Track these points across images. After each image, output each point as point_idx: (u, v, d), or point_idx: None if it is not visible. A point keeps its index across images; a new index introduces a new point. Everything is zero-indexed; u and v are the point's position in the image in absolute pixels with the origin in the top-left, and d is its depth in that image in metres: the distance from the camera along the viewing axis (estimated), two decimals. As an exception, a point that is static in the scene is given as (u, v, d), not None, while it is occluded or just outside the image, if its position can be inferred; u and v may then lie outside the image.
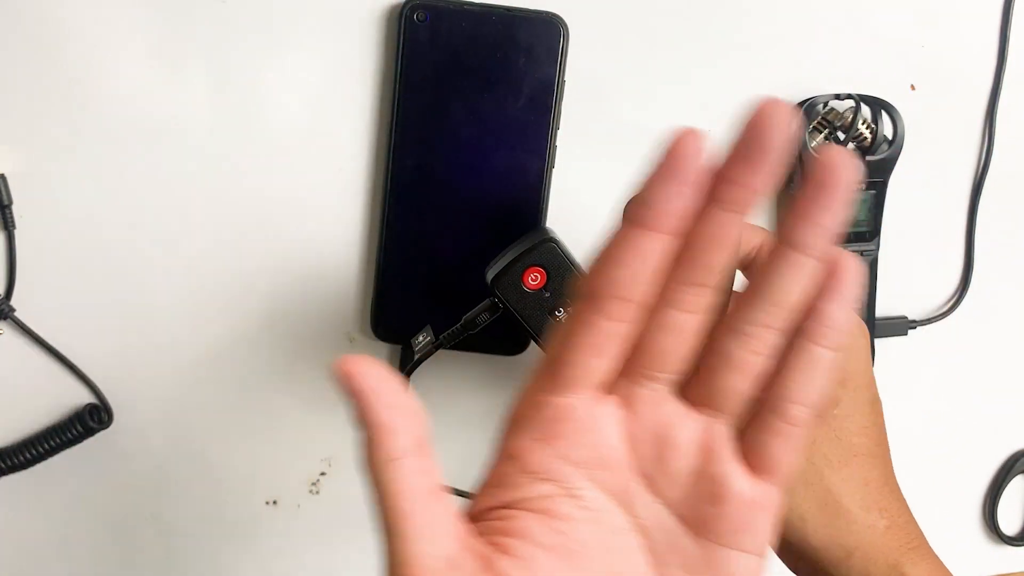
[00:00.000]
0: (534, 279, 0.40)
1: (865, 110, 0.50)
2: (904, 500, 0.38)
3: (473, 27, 0.46)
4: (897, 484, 0.38)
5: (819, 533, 0.36)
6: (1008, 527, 0.60)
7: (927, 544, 0.38)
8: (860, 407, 0.38)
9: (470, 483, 0.54)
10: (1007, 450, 0.59)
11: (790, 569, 0.39)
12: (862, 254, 0.52)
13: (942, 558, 0.37)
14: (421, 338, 0.43)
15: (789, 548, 0.38)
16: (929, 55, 0.52)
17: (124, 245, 0.48)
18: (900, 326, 0.55)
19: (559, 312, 0.40)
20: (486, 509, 0.28)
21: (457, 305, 0.50)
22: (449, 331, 0.41)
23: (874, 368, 0.53)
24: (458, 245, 0.49)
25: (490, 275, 0.40)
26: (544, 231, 0.41)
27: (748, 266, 0.38)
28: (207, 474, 0.52)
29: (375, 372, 0.25)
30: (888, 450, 0.39)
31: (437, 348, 0.42)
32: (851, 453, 0.37)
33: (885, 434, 0.39)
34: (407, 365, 0.42)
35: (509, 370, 0.52)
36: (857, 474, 0.37)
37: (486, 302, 0.41)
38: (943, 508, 0.59)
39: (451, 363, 0.52)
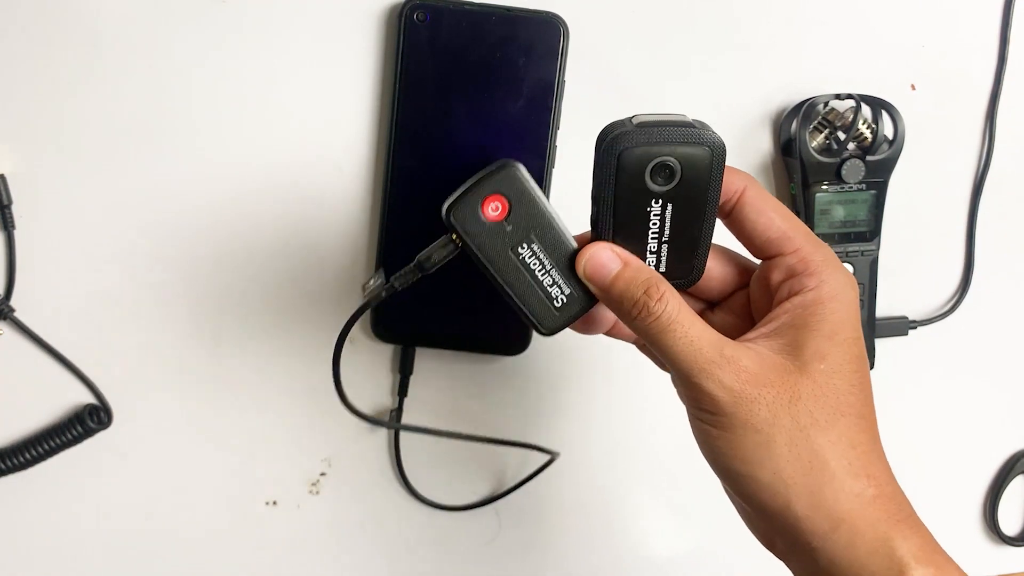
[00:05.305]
0: (495, 209, 0.35)
1: (865, 110, 0.50)
2: (890, 468, 0.35)
3: (473, 27, 0.46)
4: (883, 450, 0.35)
5: (803, 501, 0.33)
6: (1008, 527, 0.60)
7: (916, 516, 0.34)
8: (848, 363, 0.34)
9: (472, 481, 0.54)
10: (1007, 450, 0.59)
11: (764, 544, 0.36)
12: (862, 254, 0.52)
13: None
14: (372, 282, 0.37)
15: (767, 517, 0.34)
16: (929, 55, 0.52)
17: (124, 245, 0.48)
18: (900, 326, 0.55)
19: (521, 249, 0.35)
20: None
21: (457, 305, 0.50)
22: (401, 271, 0.36)
23: (873, 368, 0.54)
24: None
25: (446, 205, 0.35)
26: (507, 160, 0.36)
27: (729, 212, 0.37)
28: (207, 474, 0.52)
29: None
30: (874, 412, 0.35)
31: (390, 291, 0.36)
32: (839, 412, 0.33)
33: (872, 394, 0.35)
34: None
35: (509, 370, 0.52)
36: (845, 436, 0.33)
37: (442, 239, 0.36)
38: (943, 508, 0.59)
39: (451, 363, 0.52)
